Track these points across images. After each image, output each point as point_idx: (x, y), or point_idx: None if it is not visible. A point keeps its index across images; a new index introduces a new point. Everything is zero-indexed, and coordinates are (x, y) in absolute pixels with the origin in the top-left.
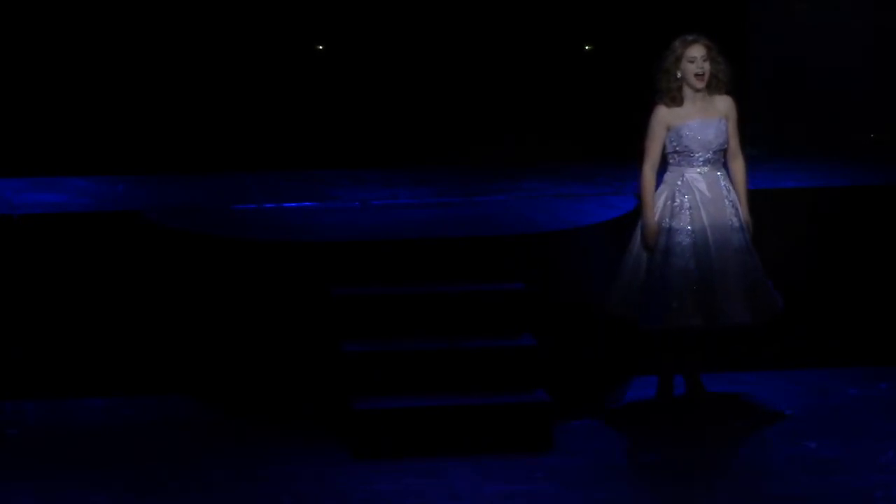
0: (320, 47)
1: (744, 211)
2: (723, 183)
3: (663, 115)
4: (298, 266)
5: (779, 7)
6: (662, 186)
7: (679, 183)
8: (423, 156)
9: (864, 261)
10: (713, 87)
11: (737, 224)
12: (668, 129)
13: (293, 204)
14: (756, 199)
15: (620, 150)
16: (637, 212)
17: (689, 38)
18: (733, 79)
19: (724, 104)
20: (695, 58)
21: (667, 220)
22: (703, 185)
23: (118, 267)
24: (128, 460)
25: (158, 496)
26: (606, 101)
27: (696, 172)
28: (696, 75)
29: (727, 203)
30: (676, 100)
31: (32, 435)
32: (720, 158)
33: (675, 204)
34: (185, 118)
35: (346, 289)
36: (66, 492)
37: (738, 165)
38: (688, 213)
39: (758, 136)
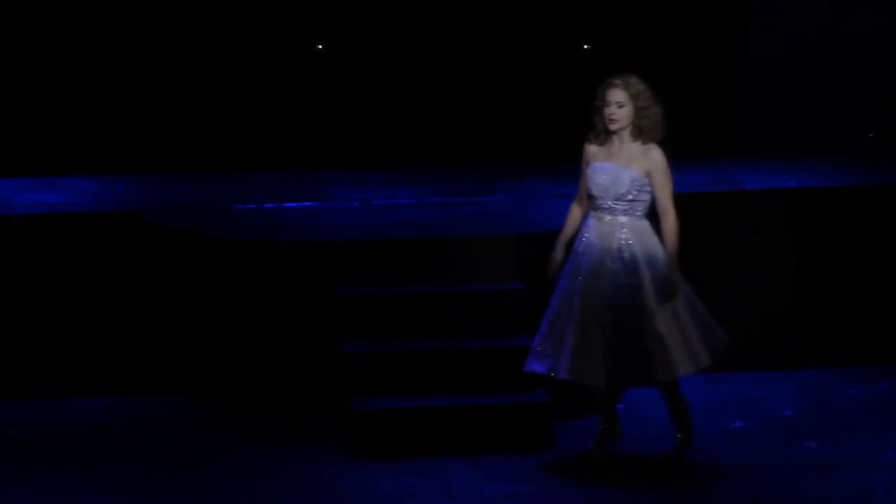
0: (320, 47)
1: (668, 271)
2: (620, 236)
3: (584, 151)
4: (298, 266)
5: (779, 7)
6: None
7: (583, 227)
8: (423, 156)
9: (864, 261)
10: (636, 135)
11: (635, 282)
12: (588, 165)
13: (293, 204)
14: (756, 198)
15: None
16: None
17: (614, 80)
18: (662, 125)
19: (644, 156)
20: (609, 102)
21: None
22: (593, 235)
23: (118, 267)
24: (128, 460)
25: (158, 496)
26: None
27: (594, 219)
28: (609, 119)
29: (614, 259)
30: (600, 138)
31: (32, 435)
32: (628, 210)
33: (574, 247)
34: (184, 118)
35: (346, 289)
36: (66, 492)
37: (664, 223)
38: (577, 258)
39: (758, 136)
